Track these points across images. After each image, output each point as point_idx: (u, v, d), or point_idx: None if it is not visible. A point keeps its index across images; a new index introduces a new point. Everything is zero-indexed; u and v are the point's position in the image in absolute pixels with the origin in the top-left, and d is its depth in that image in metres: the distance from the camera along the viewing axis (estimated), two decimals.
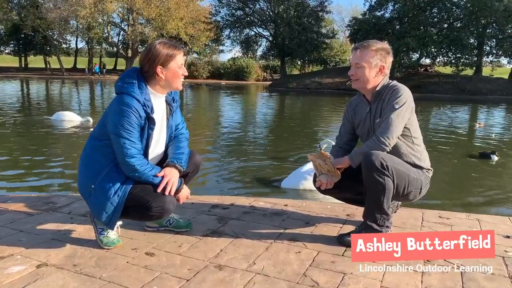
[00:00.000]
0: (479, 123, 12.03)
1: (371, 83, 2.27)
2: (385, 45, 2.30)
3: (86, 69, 44.69)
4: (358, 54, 2.25)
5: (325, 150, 2.34)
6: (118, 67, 52.62)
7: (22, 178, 5.00)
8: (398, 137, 2.21)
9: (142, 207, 2.04)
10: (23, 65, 50.46)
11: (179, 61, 2.13)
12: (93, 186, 2.07)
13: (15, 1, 43.59)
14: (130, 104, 2.01)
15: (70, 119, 9.86)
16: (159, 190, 2.07)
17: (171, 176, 2.12)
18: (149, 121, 2.08)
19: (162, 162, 2.24)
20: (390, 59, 2.30)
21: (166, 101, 2.24)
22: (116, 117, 2.01)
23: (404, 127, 2.23)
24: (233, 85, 37.82)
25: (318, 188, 2.39)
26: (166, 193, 2.08)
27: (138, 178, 2.07)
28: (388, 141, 2.15)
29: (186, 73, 2.21)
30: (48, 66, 48.80)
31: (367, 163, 2.12)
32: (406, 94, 2.21)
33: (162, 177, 2.09)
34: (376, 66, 2.25)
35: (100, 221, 2.12)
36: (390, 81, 2.32)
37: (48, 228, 2.43)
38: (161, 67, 2.12)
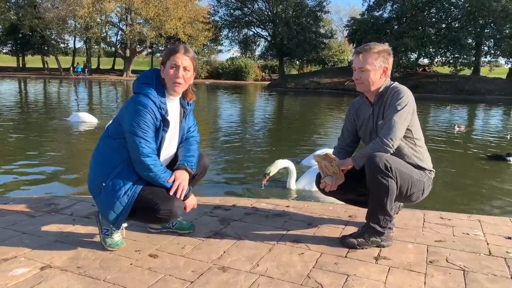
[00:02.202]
0: (458, 126, 10.82)
1: (375, 85, 2.29)
2: (385, 46, 2.32)
3: (71, 69, 44.57)
4: (361, 58, 2.26)
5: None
6: (116, 67, 52.52)
7: (23, 179, 4.97)
8: (400, 139, 2.22)
9: (150, 209, 2.04)
10: (20, 65, 50.34)
11: (173, 61, 2.08)
12: (104, 184, 2.06)
13: (13, 1, 43.56)
14: (146, 104, 2.02)
15: (86, 121, 9.91)
16: (171, 192, 2.08)
17: (182, 179, 2.13)
18: (164, 123, 2.09)
19: (173, 163, 2.25)
20: (391, 59, 2.33)
21: (180, 103, 2.25)
22: (132, 116, 2.02)
23: (406, 128, 2.24)
24: (231, 84, 37.77)
25: (322, 190, 2.40)
26: (178, 195, 2.09)
27: (151, 179, 2.07)
28: (391, 142, 2.16)
29: (179, 77, 2.07)
30: (46, 66, 48.69)
31: (370, 165, 2.13)
32: (407, 96, 2.22)
33: (174, 180, 2.11)
34: (380, 68, 2.26)
35: (107, 220, 2.11)
36: (392, 82, 2.33)
37: (50, 230, 2.43)
38: (162, 66, 2.14)
